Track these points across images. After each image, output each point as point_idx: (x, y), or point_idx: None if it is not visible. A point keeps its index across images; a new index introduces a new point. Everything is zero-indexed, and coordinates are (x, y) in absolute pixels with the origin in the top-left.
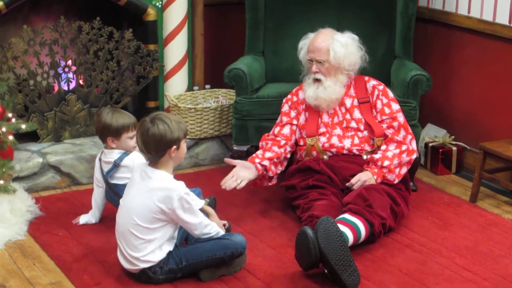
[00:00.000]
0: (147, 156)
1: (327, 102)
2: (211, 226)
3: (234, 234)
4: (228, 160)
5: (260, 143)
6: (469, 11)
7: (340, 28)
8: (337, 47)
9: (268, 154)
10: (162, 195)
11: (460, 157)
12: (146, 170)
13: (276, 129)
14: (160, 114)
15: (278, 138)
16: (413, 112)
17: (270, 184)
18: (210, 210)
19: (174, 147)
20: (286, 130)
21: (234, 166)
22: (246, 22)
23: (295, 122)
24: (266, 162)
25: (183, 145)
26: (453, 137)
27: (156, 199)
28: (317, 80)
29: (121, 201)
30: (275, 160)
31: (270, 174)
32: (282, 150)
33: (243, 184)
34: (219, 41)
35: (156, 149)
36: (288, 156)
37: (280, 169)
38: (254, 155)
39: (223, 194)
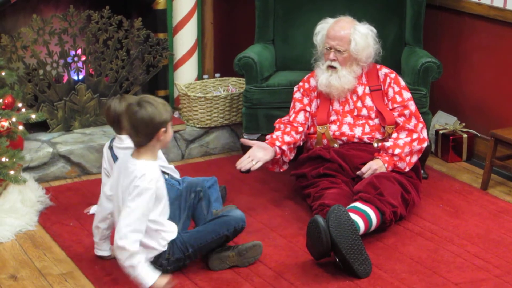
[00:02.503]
0: (135, 140)
1: (339, 91)
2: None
3: (231, 210)
4: (245, 141)
5: (277, 125)
6: None
7: (349, 15)
8: (359, 38)
9: (287, 138)
10: (138, 177)
11: (471, 144)
12: (129, 163)
13: (292, 116)
14: (146, 97)
15: (295, 124)
16: (424, 100)
17: (281, 170)
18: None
19: (163, 129)
20: (301, 117)
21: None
22: (255, 10)
23: (308, 108)
24: (285, 147)
25: (170, 128)
26: (463, 124)
27: (133, 183)
28: (331, 68)
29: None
30: (292, 146)
31: (286, 159)
32: (298, 136)
33: (258, 165)
34: (228, 29)
35: (145, 133)
36: (301, 144)
37: (292, 155)
38: (274, 136)
39: (233, 183)
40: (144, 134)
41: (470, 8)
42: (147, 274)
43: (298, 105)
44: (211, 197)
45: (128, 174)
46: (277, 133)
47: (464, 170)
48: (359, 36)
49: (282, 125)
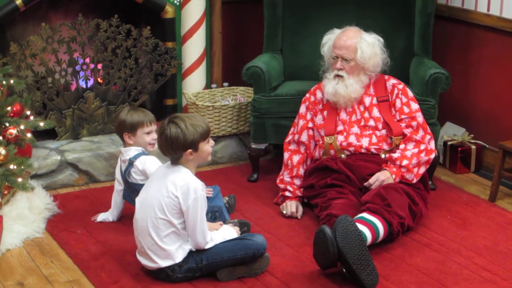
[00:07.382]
0: (166, 155)
1: (345, 100)
2: (210, 239)
3: (255, 235)
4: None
5: (285, 156)
6: (488, 9)
7: (358, 26)
8: (365, 47)
9: (297, 181)
10: (183, 187)
11: (479, 156)
12: (169, 167)
13: (296, 136)
14: (177, 117)
15: (301, 149)
16: (432, 111)
17: None
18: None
19: (190, 150)
20: (304, 136)
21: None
22: (264, 20)
23: (310, 125)
24: (298, 181)
25: (204, 147)
26: (472, 135)
27: (178, 190)
28: (338, 77)
29: (137, 199)
30: (302, 165)
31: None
32: (304, 156)
33: (300, 211)
34: (237, 38)
35: (170, 152)
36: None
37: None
38: (289, 187)
39: (241, 193)
40: (169, 153)
41: (479, 19)
42: (222, 234)
43: (301, 123)
44: (225, 214)
45: (171, 175)
46: (287, 177)
47: (472, 181)
48: (366, 45)
49: (289, 163)
